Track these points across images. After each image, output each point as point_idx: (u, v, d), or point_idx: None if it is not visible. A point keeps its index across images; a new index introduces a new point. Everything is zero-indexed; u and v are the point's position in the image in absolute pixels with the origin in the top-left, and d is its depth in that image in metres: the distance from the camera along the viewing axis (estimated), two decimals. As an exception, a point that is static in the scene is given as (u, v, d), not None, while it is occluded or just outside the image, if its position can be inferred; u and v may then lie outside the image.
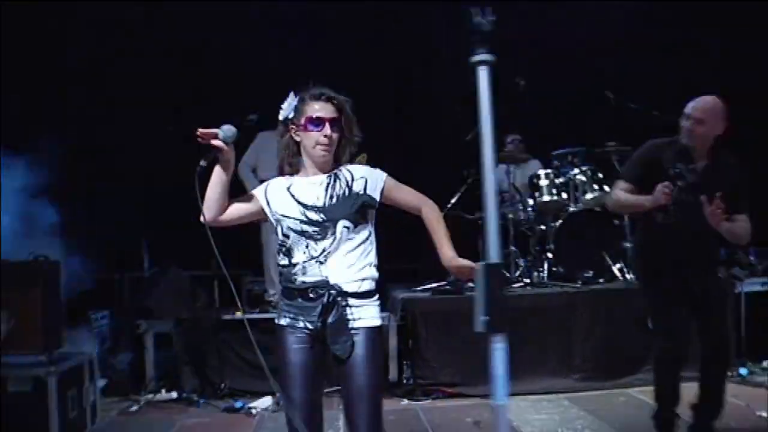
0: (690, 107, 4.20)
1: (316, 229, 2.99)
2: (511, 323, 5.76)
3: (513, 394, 5.77)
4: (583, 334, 6.12)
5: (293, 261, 3.01)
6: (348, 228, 2.99)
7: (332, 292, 2.96)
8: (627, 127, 6.50)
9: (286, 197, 3.05)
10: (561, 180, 6.84)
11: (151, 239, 7.69)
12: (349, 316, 2.97)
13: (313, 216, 3.00)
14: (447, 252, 3.04)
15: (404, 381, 6.35)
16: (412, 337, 6.19)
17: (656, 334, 4.47)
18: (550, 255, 6.60)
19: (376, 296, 3.08)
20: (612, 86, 6.99)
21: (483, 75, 2.21)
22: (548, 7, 7.70)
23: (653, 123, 6.34)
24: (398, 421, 5.45)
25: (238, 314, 6.54)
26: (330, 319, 2.95)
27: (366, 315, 3.00)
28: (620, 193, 4.35)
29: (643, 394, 5.63)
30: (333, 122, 3.04)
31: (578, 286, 6.39)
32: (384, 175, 3.12)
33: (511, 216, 6.84)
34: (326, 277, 2.97)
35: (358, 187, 3.05)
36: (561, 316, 6.14)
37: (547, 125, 7.49)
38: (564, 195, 6.79)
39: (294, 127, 3.08)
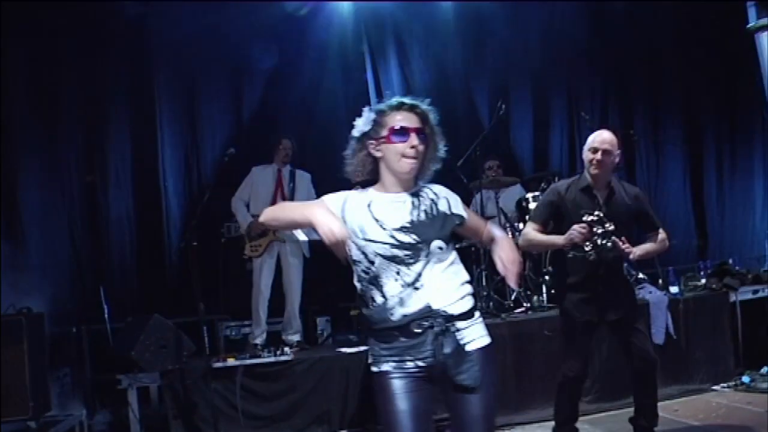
0: (596, 141, 4.56)
1: (408, 252, 2.77)
2: (518, 350, 5.69)
3: (526, 423, 5.65)
4: (592, 355, 5.97)
5: (386, 293, 2.75)
6: (441, 248, 2.79)
7: (439, 319, 2.73)
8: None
9: (367, 218, 2.82)
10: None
11: (108, 287, 7.30)
12: (462, 341, 2.75)
13: (404, 238, 2.78)
14: (496, 239, 2.96)
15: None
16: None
17: (566, 358, 4.81)
18: (547, 277, 6.46)
19: (478, 313, 2.86)
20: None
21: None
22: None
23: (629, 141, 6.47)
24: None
25: (231, 361, 6.18)
26: (447, 350, 2.72)
27: (476, 335, 2.81)
28: (531, 232, 4.72)
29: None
30: (419, 132, 2.83)
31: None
32: (458, 197, 2.99)
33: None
34: (428, 303, 2.73)
35: (443, 206, 2.90)
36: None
37: (525, 148, 7.45)
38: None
39: (373, 142, 2.86)
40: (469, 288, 2.87)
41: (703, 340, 6.38)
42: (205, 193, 6.29)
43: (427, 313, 2.74)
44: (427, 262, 2.77)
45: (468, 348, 2.77)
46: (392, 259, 2.76)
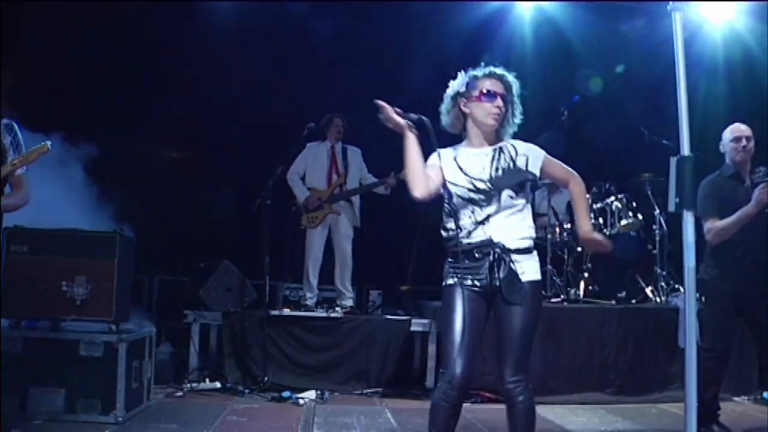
0: (738, 131, 4.97)
1: (482, 197, 3.37)
2: (549, 335, 6.06)
3: (549, 404, 6.04)
4: (616, 350, 6.34)
5: (459, 225, 3.37)
6: (511, 197, 3.37)
7: (497, 250, 3.31)
8: (657, 161, 6.90)
9: (453, 167, 3.43)
10: (598, 205, 7.16)
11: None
12: (515, 271, 3.30)
13: (481, 186, 3.37)
14: (585, 225, 3.52)
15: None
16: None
17: (722, 334, 4.98)
18: (586, 275, 6.87)
19: (535, 252, 3.43)
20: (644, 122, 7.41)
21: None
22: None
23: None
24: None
25: (287, 311, 6.79)
26: (501, 274, 3.29)
27: (529, 269, 3.37)
28: (718, 222, 4.88)
29: (675, 408, 5.87)
30: (503, 97, 3.42)
31: (612, 303, 6.64)
32: (543, 153, 3.50)
33: (548, 236, 7.14)
34: (490, 236, 3.33)
35: (521, 162, 3.43)
36: (595, 331, 6.36)
37: (585, 156, 7.80)
38: (600, 220, 7.11)
39: (464, 100, 3.46)
40: (529, 232, 3.44)
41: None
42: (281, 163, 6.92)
43: (488, 244, 3.33)
44: (498, 207, 3.36)
45: (520, 278, 3.33)
46: (469, 200, 3.39)
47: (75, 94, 7.70)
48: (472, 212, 3.38)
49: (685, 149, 2.90)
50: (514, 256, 3.33)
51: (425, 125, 3.37)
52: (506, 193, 3.38)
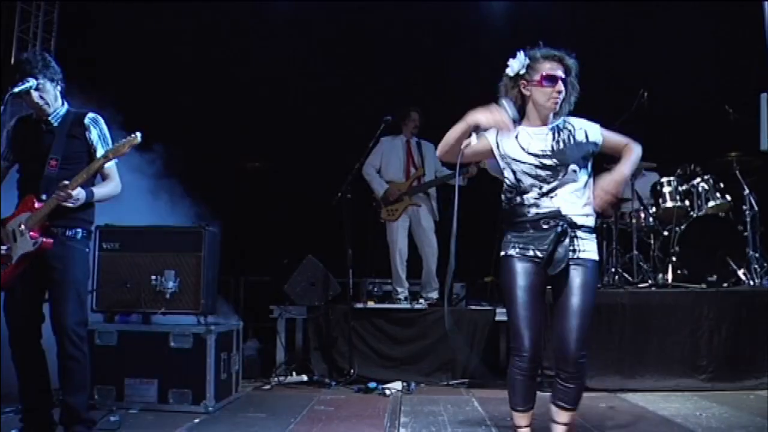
0: None
1: (549, 172, 3.40)
2: (638, 321, 5.92)
3: (640, 390, 5.90)
4: (709, 335, 6.11)
5: (525, 197, 3.41)
6: (575, 171, 3.40)
7: (564, 223, 3.34)
8: (745, 139, 6.68)
9: (514, 144, 3.47)
10: (684, 187, 6.97)
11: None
12: (576, 247, 3.36)
13: (547, 162, 3.40)
14: (622, 168, 3.43)
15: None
16: (540, 332, 6.25)
17: None
18: (674, 259, 6.68)
19: (595, 233, 3.46)
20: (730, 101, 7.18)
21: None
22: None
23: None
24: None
25: (371, 303, 6.83)
26: (563, 248, 3.33)
27: (589, 248, 3.42)
28: None
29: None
30: (563, 80, 3.44)
31: (703, 287, 6.44)
32: (597, 125, 3.53)
33: (633, 221, 6.99)
34: (558, 208, 3.36)
35: (580, 136, 3.46)
36: (687, 316, 6.14)
37: (667, 137, 7.60)
38: (687, 202, 6.92)
39: (525, 82, 3.48)
40: (590, 210, 3.45)
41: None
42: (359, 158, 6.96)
43: (556, 215, 3.36)
44: (563, 181, 3.39)
45: (581, 255, 3.37)
46: (535, 176, 3.42)
47: (166, 106, 7.94)
48: (539, 187, 3.42)
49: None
50: (578, 233, 3.38)
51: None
52: (571, 168, 3.42)
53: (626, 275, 6.87)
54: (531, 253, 3.38)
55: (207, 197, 6.48)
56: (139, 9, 7.86)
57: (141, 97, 7.15)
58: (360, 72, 8.71)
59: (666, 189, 6.96)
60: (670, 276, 6.66)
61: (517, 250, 3.41)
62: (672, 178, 6.99)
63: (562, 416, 3.44)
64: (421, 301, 7.07)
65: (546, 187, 3.40)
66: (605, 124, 3.64)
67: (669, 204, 6.92)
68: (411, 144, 7.52)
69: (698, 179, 6.98)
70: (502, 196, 3.55)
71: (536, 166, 3.43)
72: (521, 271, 3.39)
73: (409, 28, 8.59)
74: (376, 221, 7.53)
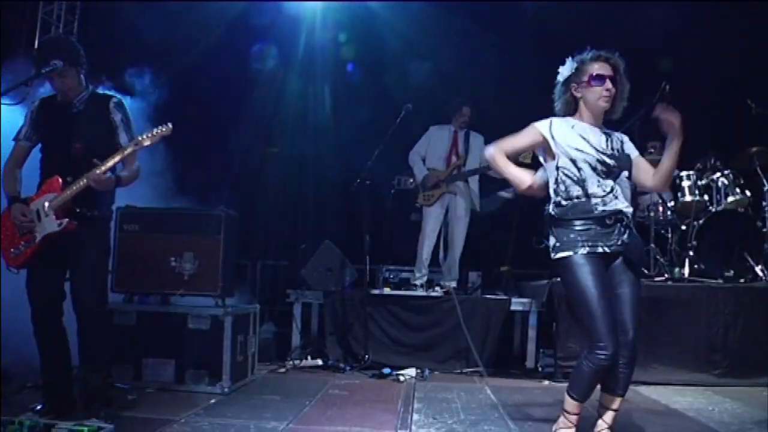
0: None
1: (609, 170, 3.53)
2: (653, 314, 5.92)
3: (653, 383, 5.91)
4: (724, 330, 6.11)
5: (589, 193, 3.51)
6: (627, 177, 3.58)
7: (625, 218, 3.52)
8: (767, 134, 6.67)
9: (574, 135, 3.58)
10: (703, 182, 6.95)
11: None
12: (634, 239, 3.55)
13: (609, 161, 3.55)
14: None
15: (539, 369, 6.51)
16: (557, 321, 6.28)
17: None
18: (691, 253, 6.67)
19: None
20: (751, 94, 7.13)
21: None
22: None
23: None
24: (547, 394, 5.63)
25: (387, 290, 6.88)
26: (628, 239, 3.50)
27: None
28: None
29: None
30: (612, 79, 3.56)
31: (720, 282, 6.43)
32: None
33: (651, 215, 6.98)
34: (620, 207, 3.50)
35: (628, 149, 3.65)
36: (702, 311, 6.15)
37: (687, 130, 7.57)
38: (706, 196, 6.90)
39: (575, 85, 3.62)
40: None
41: None
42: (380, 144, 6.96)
43: (618, 212, 3.50)
44: (618, 182, 3.54)
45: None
46: (595, 170, 3.53)
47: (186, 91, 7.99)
48: (599, 182, 3.52)
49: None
50: (632, 229, 3.58)
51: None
52: (624, 174, 3.58)
53: (642, 269, 6.85)
54: (600, 249, 3.47)
55: (226, 182, 6.55)
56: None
57: (162, 81, 7.20)
58: (383, 59, 8.71)
59: (685, 183, 6.94)
60: (686, 270, 6.65)
61: (588, 248, 3.47)
62: (691, 172, 6.97)
63: (616, 402, 3.54)
64: (437, 288, 7.10)
65: (605, 185, 3.51)
66: (627, 117, 3.79)
67: (688, 198, 6.90)
68: (458, 135, 7.53)
69: (718, 174, 6.95)
70: (553, 194, 3.63)
71: (598, 161, 3.53)
72: (594, 268, 3.44)
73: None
74: (393, 208, 7.57)
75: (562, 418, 3.57)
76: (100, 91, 4.38)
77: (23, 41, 6.90)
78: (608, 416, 3.55)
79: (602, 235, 3.47)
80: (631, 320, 3.46)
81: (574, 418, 3.55)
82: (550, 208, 3.62)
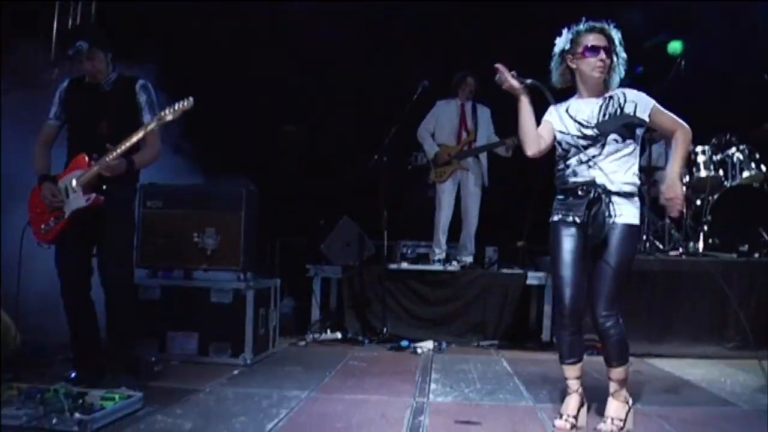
0: None
1: (590, 141, 3.60)
2: (667, 288, 5.98)
3: (667, 356, 6.00)
4: (738, 304, 6.13)
5: (567, 164, 3.64)
6: (617, 140, 3.57)
7: (597, 190, 3.53)
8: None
9: (565, 117, 3.68)
10: (718, 157, 6.99)
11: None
12: (612, 212, 3.53)
13: (588, 132, 3.61)
14: (675, 168, 3.55)
15: (554, 342, 6.58)
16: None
17: None
18: (705, 228, 6.73)
19: (636, 198, 3.61)
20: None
21: None
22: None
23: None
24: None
25: (405, 264, 6.99)
26: (593, 211, 3.51)
27: (627, 212, 3.58)
28: None
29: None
30: (606, 49, 3.60)
31: (734, 257, 6.49)
32: (652, 101, 3.63)
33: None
34: (593, 177, 3.55)
35: (629, 108, 3.61)
36: (716, 285, 6.16)
37: (703, 105, 7.58)
38: (721, 171, 6.94)
39: (570, 56, 3.67)
40: (632, 178, 3.61)
41: None
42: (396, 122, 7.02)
43: (591, 183, 3.56)
44: (603, 150, 3.58)
45: (617, 220, 3.55)
46: (575, 145, 3.62)
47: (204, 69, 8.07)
48: (580, 155, 3.63)
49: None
50: (614, 198, 3.56)
51: (539, 89, 3.61)
52: (612, 137, 3.59)
53: (657, 243, 6.93)
54: (570, 218, 3.60)
55: (245, 160, 6.64)
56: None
57: (179, 61, 7.28)
58: (399, 35, 8.74)
59: (700, 158, 7.00)
60: (701, 245, 6.72)
61: (561, 216, 3.66)
62: (706, 147, 7.02)
63: (613, 373, 3.67)
64: (454, 263, 7.21)
65: (586, 154, 3.59)
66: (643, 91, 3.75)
67: (703, 173, 6.96)
68: (466, 108, 7.58)
69: (733, 149, 7.00)
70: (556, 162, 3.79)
71: (578, 137, 3.63)
72: (564, 235, 3.64)
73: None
74: (412, 185, 7.65)
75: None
76: (127, 74, 4.49)
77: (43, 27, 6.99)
78: (611, 386, 3.70)
79: (575, 206, 3.59)
80: (598, 295, 3.56)
81: (571, 383, 3.76)
82: None
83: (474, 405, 4.27)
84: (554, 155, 3.80)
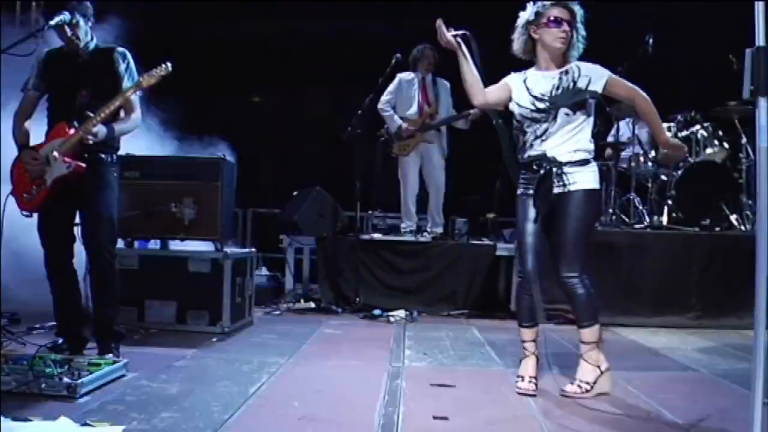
0: None
1: (543, 115, 3.74)
2: (632, 260, 6.16)
3: (631, 326, 6.21)
4: (699, 276, 6.40)
5: (525, 140, 3.80)
6: (568, 114, 3.73)
7: (547, 165, 3.71)
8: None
9: (522, 88, 3.82)
10: (683, 134, 7.18)
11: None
12: (565, 182, 3.71)
13: (541, 105, 3.75)
14: (662, 135, 3.88)
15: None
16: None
17: None
18: (669, 202, 6.94)
19: (592, 164, 3.78)
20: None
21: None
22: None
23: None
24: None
25: (377, 235, 7.11)
26: (552, 186, 3.70)
27: (581, 179, 3.73)
28: None
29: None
30: (569, 23, 3.73)
31: (696, 230, 6.72)
32: (607, 73, 3.78)
33: (632, 165, 7.23)
34: (544, 151, 3.73)
35: (582, 83, 3.75)
36: (679, 257, 6.43)
37: (669, 84, 7.76)
38: (685, 149, 7.11)
39: (534, 27, 3.78)
40: (585, 145, 3.78)
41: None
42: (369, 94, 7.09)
43: (542, 158, 3.73)
44: (555, 123, 3.73)
45: (571, 188, 3.71)
46: (530, 118, 3.78)
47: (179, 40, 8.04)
48: (534, 129, 3.79)
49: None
50: (566, 169, 3.73)
51: (468, 37, 3.77)
52: (563, 111, 3.74)
53: (623, 216, 7.13)
54: (531, 191, 3.79)
55: (218, 130, 6.68)
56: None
57: (154, 30, 7.27)
58: (371, 6, 8.79)
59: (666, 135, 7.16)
60: (665, 218, 6.94)
61: (522, 189, 3.85)
62: (672, 125, 7.20)
63: (580, 334, 3.85)
64: (426, 234, 7.36)
65: (539, 129, 3.76)
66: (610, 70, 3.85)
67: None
68: (426, 81, 7.62)
69: (698, 126, 7.20)
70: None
71: (532, 110, 3.78)
72: (526, 206, 3.82)
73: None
74: (383, 156, 7.74)
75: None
76: (105, 44, 4.52)
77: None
78: (581, 348, 3.88)
79: (530, 180, 3.78)
80: (560, 256, 3.73)
81: (528, 345, 3.93)
82: None
83: (448, 369, 4.45)
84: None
